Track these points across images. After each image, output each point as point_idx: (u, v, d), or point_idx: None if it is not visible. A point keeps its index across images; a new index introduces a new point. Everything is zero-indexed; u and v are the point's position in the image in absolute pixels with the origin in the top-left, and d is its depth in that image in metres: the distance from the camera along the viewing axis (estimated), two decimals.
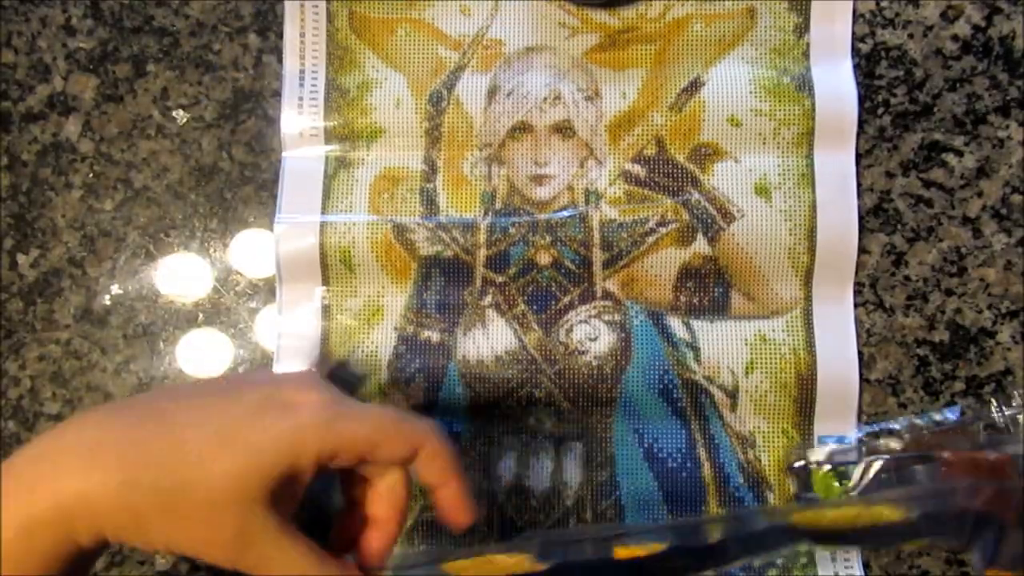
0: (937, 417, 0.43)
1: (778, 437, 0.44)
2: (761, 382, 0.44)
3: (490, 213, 0.45)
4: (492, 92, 0.46)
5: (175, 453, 0.27)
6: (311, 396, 0.31)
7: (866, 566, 0.43)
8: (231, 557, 0.28)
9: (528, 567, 0.34)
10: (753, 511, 0.42)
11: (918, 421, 0.43)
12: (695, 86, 0.45)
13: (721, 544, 0.36)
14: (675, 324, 0.44)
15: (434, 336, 0.44)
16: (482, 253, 0.45)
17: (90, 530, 0.27)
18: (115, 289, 0.46)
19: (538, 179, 0.45)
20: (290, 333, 0.45)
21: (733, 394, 0.44)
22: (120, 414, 0.29)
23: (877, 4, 0.46)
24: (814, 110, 0.45)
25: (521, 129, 0.45)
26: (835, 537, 0.37)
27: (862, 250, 0.45)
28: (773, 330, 0.44)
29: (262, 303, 0.46)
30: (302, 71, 0.46)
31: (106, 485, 0.26)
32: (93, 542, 0.27)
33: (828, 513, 0.36)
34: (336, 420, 0.30)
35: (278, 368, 0.44)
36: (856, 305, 0.45)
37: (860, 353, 0.44)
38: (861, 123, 0.45)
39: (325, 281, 0.45)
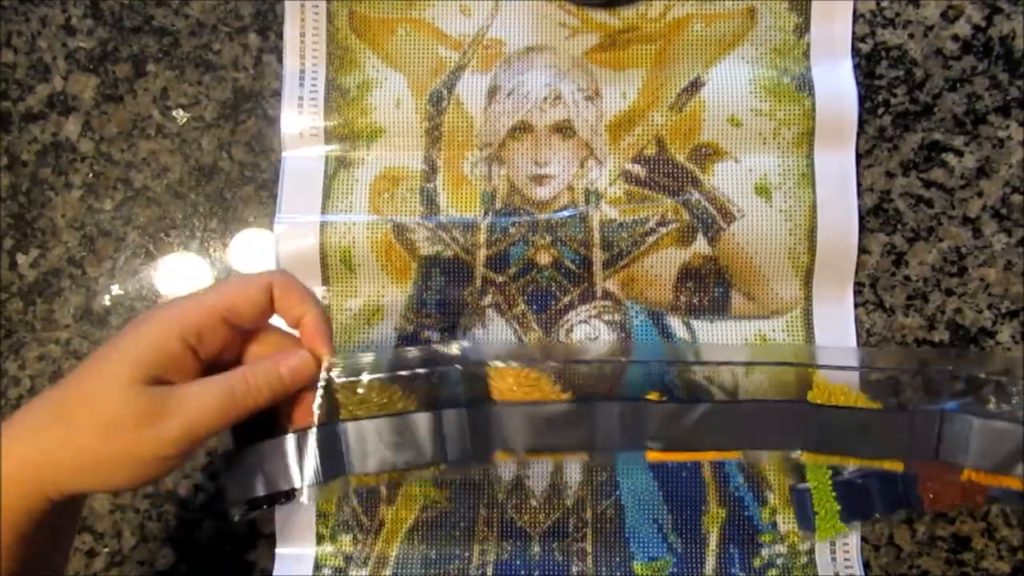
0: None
1: None
2: (761, 382, 0.44)
3: (490, 213, 0.45)
4: (492, 92, 0.46)
5: (83, 399, 0.31)
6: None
7: (866, 566, 0.43)
8: (154, 434, 0.31)
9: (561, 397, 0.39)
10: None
11: None
12: (695, 86, 0.45)
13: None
14: (675, 324, 0.44)
15: (434, 336, 0.44)
16: (482, 253, 0.45)
17: (53, 482, 0.31)
18: (115, 289, 0.46)
19: (538, 179, 0.45)
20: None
21: (733, 394, 0.44)
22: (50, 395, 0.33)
23: (877, 4, 0.46)
24: (814, 110, 0.45)
25: (521, 129, 0.45)
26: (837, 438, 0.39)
27: (862, 250, 0.45)
28: (773, 330, 0.44)
29: None
30: (302, 71, 0.46)
31: (52, 439, 0.31)
32: (58, 494, 0.31)
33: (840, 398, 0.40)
34: (185, 306, 0.33)
35: None
36: (856, 305, 0.45)
37: None
38: (861, 123, 0.45)
39: (325, 281, 0.45)
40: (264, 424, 0.35)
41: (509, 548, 0.43)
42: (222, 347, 0.34)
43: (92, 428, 0.30)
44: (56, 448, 0.30)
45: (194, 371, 0.33)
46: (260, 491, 0.35)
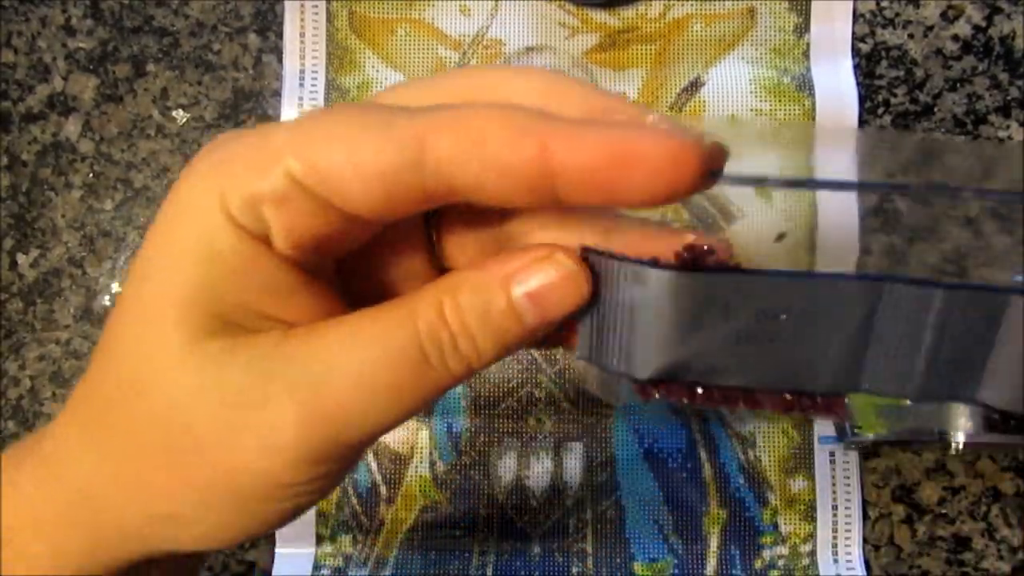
0: None
1: (778, 437, 0.44)
2: None
3: None
4: None
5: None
6: None
7: (866, 566, 0.43)
8: (257, 441, 0.17)
9: None
10: None
11: None
12: (695, 86, 0.45)
13: None
14: None
15: None
16: None
17: None
18: (115, 289, 0.46)
19: None
20: None
21: None
22: None
23: (877, 4, 0.46)
24: (814, 110, 0.45)
25: None
26: None
27: (862, 250, 0.45)
28: None
29: None
30: (302, 71, 0.46)
31: (85, 469, 0.19)
32: (126, 554, 0.19)
33: None
34: (239, 158, 0.17)
35: None
36: None
37: None
38: (861, 123, 0.45)
39: None
40: None
41: (509, 548, 0.43)
42: (349, 244, 0.18)
43: (141, 446, 0.17)
44: (96, 484, 0.18)
45: (306, 297, 0.18)
46: None
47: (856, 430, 0.42)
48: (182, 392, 0.17)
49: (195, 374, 0.17)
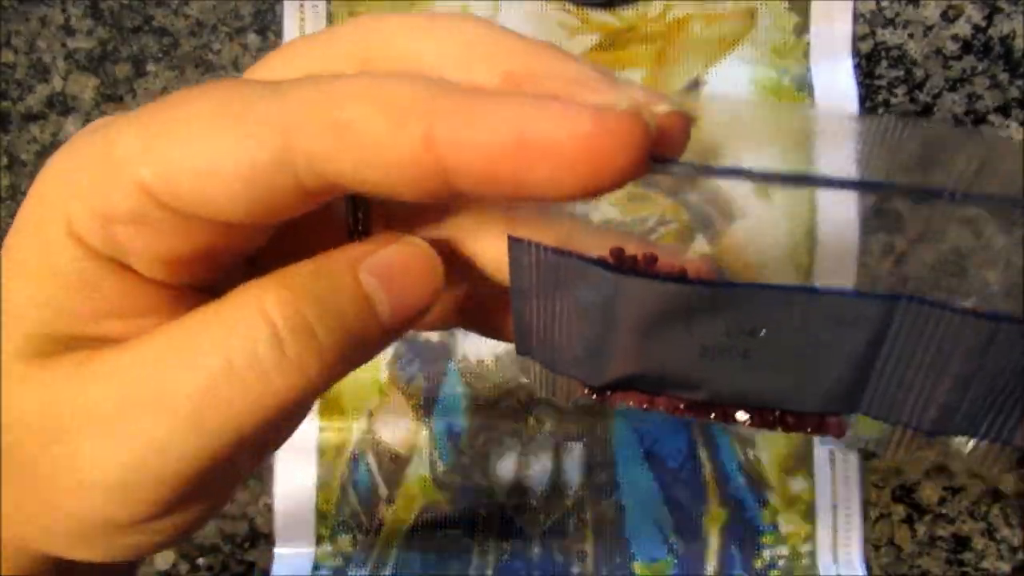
0: None
1: (778, 437, 0.44)
2: None
3: None
4: None
5: None
6: None
7: (867, 566, 0.43)
8: (65, 471, 0.15)
9: None
10: None
11: None
12: (695, 86, 0.45)
13: None
14: None
15: (434, 336, 0.44)
16: None
17: None
18: None
19: None
20: None
21: None
22: None
23: (877, 4, 0.46)
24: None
25: None
26: None
27: (862, 250, 0.45)
28: None
29: None
30: None
31: None
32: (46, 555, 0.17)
33: None
34: (84, 172, 0.15)
35: None
36: None
37: None
38: None
39: None
40: None
41: (509, 548, 0.43)
42: (236, 253, 0.16)
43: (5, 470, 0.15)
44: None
45: (163, 308, 0.16)
46: None
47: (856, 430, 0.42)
48: (15, 421, 0.15)
49: (24, 400, 0.15)
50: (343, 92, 0.13)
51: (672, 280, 0.15)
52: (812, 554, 0.43)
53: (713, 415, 0.17)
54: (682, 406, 0.16)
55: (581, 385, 0.17)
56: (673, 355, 0.16)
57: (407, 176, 0.13)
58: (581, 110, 0.12)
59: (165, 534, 0.16)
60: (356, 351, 0.15)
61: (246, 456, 0.16)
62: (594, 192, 0.13)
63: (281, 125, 0.13)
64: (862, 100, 0.45)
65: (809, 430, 0.16)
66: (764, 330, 0.15)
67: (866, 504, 0.44)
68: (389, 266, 0.15)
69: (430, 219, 0.17)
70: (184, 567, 0.44)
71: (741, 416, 0.16)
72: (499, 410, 0.44)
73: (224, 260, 0.16)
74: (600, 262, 0.16)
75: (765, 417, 0.16)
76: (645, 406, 0.17)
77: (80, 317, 0.15)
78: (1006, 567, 0.43)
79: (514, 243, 0.16)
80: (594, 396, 0.17)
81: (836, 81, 0.45)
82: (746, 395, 0.16)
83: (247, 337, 0.14)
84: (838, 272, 0.44)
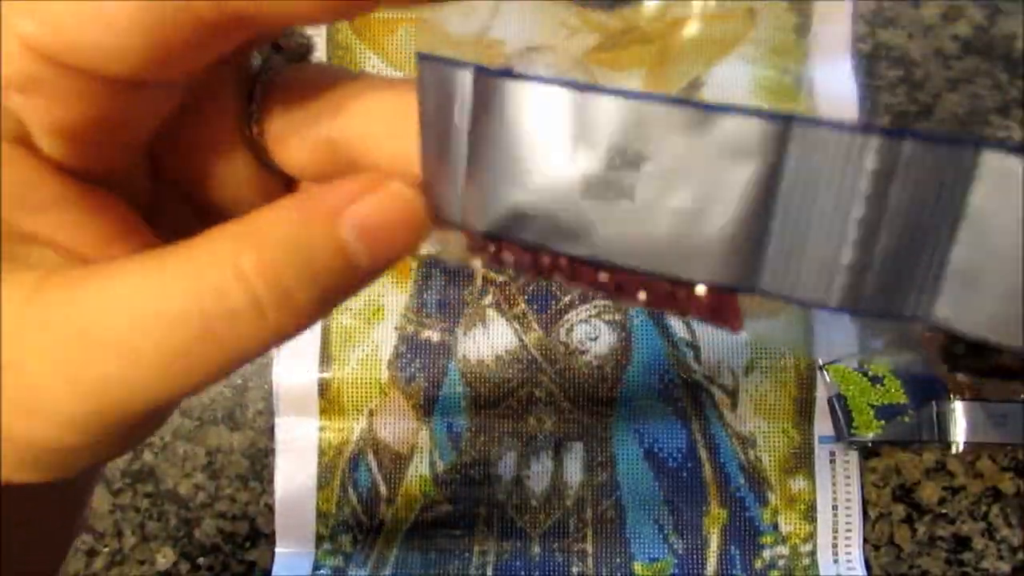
0: None
1: (778, 437, 0.44)
2: (761, 382, 0.44)
3: None
4: None
5: None
6: None
7: (867, 566, 0.43)
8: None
9: None
10: None
11: None
12: (695, 86, 0.45)
13: None
14: (675, 323, 0.44)
15: (434, 336, 0.44)
16: None
17: None
18: None
19: None
20: None
21: (733, 394, 0.44)
22: None
23: (877, 4, 0.46)
24: (814, 110, 0.45)
25: None
26: None
27: None
28: (773, 329, 0.44)
29: None
30: None
31: None
32: None
33: None
34: None
35: (277, 369, 0.44)
36: None
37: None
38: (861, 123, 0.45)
39: None
40: None
41: (509, 548, 0.43)
42: (131, 133, 0.15)
43: None
44: None
45: (92, 217, 0.15)
46: None
47: (853, 430, 0.42)
48: None
49: None
50: None
51: (551, 82, 0.13)
52: (812, 554, 0.43)
53: (599, 283, 0.14)
54: (563, 263, 0.14)
55: (467, 236, 0.15)
56: (555, 190, 0.13)
57: None
58: None
59: (93, 459, 0.16)
60: (332, 303, 0.15)
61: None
62: None
63: None
64: (862, 100, 0.45)
65: (704, 312, 0.14)
66: (648, 164, 0.12)
67: (866, 504, 0.44)
68: (371, 217, 0.14)
69: (323, 119, 0.16)
70: (184, 567, 0.44)
71: (642, 296, 0.14)
72: (499, 410, 0.44)
73: (125, 140, 0.15)
74: (484, 68, 0.13)
75: (658, 292, 0.14)
76: (527, 265, 0.14)
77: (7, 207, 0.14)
78: (1006, 567, 0.43)
79: (421, 61, 0.14)
80: (473, 251, 0.15)
81: (836, 81, 0.45)
82: (632, 255, 0.13)
83: (224, 295, 0.14)
84: None
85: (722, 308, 0.14)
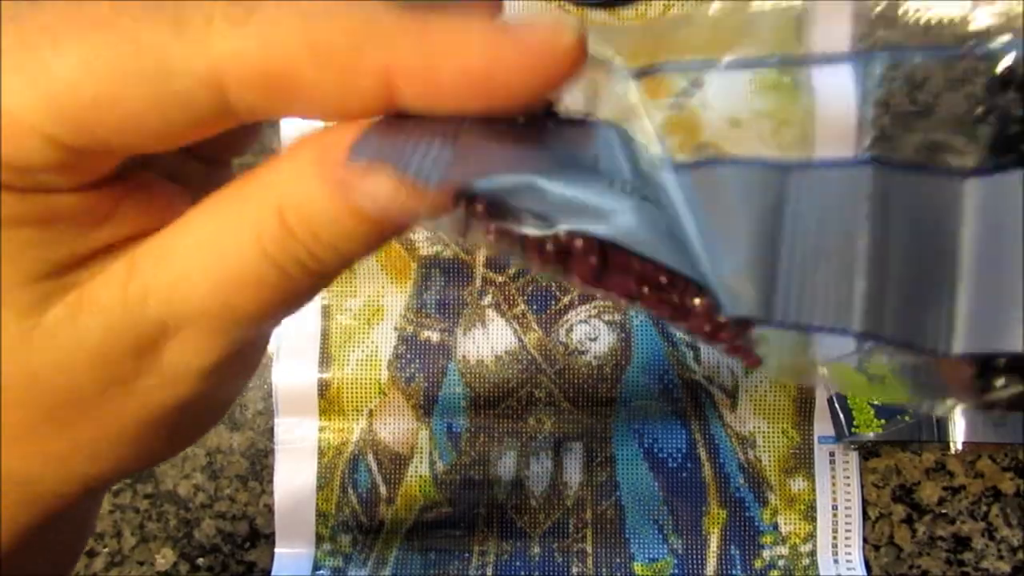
0: None
1: (778, 437, 0.44)
2: (761, 382, 0.44)
3: None
4: None
5: None
6: None
7: (867, 566, 0.43)
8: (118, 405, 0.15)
9: None
10: None
11: None
12: (696, 84, 0.45)
13: None
14: None
15: (434, 336, 0.44)
16: (482, 253, 0.45)
17: None
18: None
19: None
20: (290, 333, 0.45)
21: (733, 394, 0.44)
22: None
23: (877, 4, 0.46)
24: (814, 110, 0.45)
25: None
26: None
27: None
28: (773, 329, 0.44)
29: None
30: None
31: None
32: None
33: None
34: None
35: (277, 369, 0.44)
36: None
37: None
38: (861, 123, 0.45)
39: None
40: None
41: (509, 548, 0.43)
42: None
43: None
44: None
45: (131, 205, 0.15)
46: None
47: (854, 429, 0.42)
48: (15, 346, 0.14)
49: (30, 325, 0.14)
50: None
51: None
52: (812, 554, 0.43)
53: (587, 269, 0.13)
54: (551, 246, 0.13)
55: (448, 195, 0.14)
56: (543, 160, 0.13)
57: (354, 105, 0.14)
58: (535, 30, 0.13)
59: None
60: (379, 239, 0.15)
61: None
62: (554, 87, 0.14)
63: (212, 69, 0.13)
64: (862, 100, 0.45)
65: (712, 333, 0.13)
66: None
67: (866, 504, 0.44)
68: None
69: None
70: (184, 567, 0.44)
71: (645, 291, 0.13)
72: (499, 410, 0.44)
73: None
74: None
75: (668, 295, 0.13)
76: (517, 238, 0.13)
77: (51, 251, 0.14)
78: (1006, 567, 0.43)
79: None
80: (446, 204, 0.14)
81: (836, 81, 0.45)
82: (641, 241, 0.12)
83: (279, 246, 0.14)
84: None
85: (736, 345, 0.14)
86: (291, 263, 0.14)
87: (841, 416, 0.42)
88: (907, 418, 0.42)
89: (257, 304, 0.14)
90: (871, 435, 0.42)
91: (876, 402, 0.42)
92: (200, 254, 0.14)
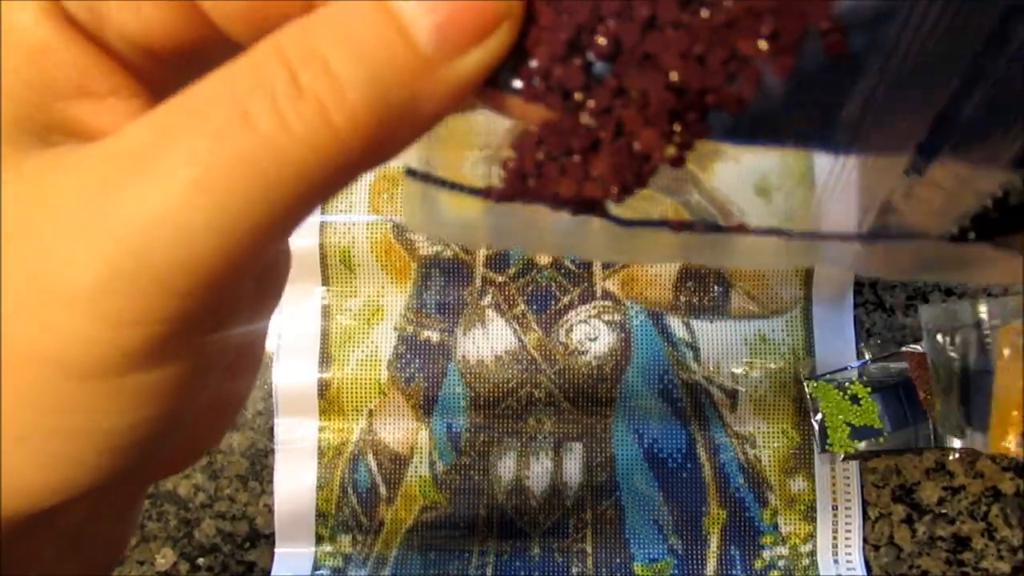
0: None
1: (778, 437, 0.44)
2: (760, 383, 0.44)
3: None
4: None
5: None
6: None
7: (867, 566, 0.43)
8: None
9: None
10: None
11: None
12: None
13: None
14: (675, 324, 0.44)
15: (434, 336, 0.44)
16: (482, 253, 0.45)
17: None
18: None
19: None
20: (290, 333, 0.45)
21: (733, 394, 0.44)
22: None
23: None
24: None
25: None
26: None
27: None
28: (773, 330, 0.44)
29: None
30: None
31: None
32: None
33: None
34: None
35: (277, 370, 0.44)
36: (856, 305, 0.45)
37: (860, 353, 0.44)
38: None
39: (325, 281, 0.45)
40: None
41: (509, 548, 0.43)
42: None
43: None
44: None
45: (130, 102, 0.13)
46: None
47: (828, 446, 0.42)
48: None
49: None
50: None
51: None
52: (812, 554, 0.43)
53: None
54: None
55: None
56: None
57: None
58: None
59: (168, 395, 0.12)
60: (389, 94, 0.12)
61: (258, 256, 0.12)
62: None
63: None
64: None
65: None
66: None
67: (866, 504, 0.44)
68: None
69: None
70: (184, 567, 0.44)
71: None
72: (499, 410, 0.44)
73: (196, 40, 0.13)
74: None
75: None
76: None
77: (51, 92, 0.12)
78: (1006, 567, 0.43)
79: None
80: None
81: None
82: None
83: (261, 84, 0.11)
84: (838, 272, 0.44)
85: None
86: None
87: (817, 431, 0.42)
88: (881, 440, 0.42)
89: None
90: (842, 454, 0.42)
91: (853, 423, 0.42)
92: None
